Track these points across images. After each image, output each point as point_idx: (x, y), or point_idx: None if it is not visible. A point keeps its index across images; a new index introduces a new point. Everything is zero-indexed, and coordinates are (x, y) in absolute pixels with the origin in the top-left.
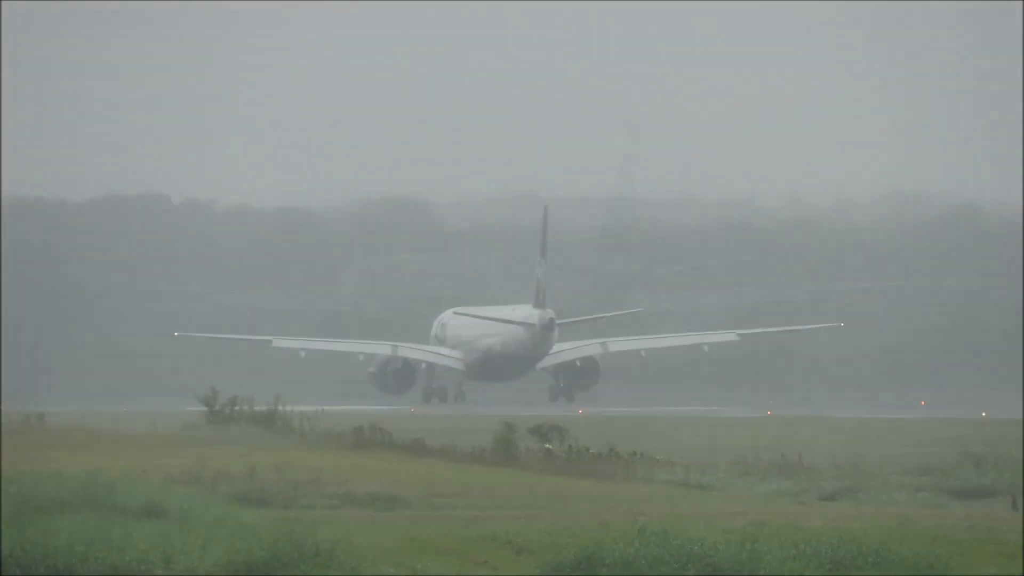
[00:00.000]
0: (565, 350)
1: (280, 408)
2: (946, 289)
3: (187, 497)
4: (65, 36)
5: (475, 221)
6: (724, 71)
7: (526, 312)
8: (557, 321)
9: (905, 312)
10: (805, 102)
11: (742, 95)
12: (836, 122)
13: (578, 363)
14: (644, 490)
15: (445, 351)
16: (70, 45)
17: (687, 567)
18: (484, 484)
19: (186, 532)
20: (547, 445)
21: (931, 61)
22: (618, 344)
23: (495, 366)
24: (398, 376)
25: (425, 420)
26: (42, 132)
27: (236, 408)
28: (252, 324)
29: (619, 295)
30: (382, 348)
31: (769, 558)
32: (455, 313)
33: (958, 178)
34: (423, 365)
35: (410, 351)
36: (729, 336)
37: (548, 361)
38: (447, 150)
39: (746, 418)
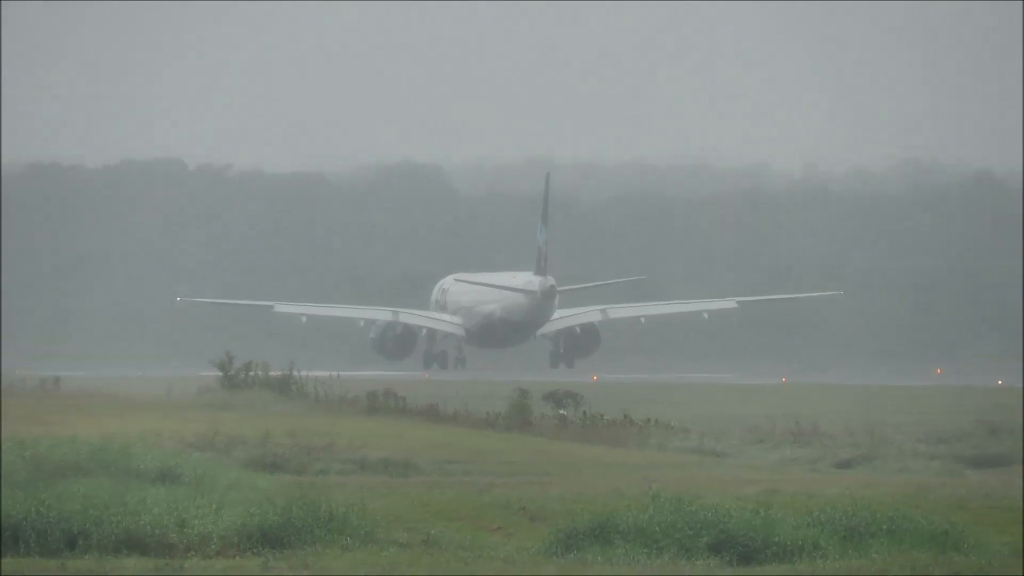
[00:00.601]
0: (565, 317)
1: (295, 373)
2: (961, 257)
3: (201, 462)
4: (80, 1)
5: (489, 187)
6: (739, 37)
7: (527, 279)
8: (558, 288)
9: (920, 280)
10: (820, 69)
11: (757, 62)
12: (851, 89)
13: (578, 330)
14: (658, 457)
15: (446, 317)
16: (85, 9)
17: (701, 534)
18: (498, 450)
19: (200, 497)
20: (561, 411)
21: (947, 27)
22: (618, 311)
23: (495, 332)
24: (398, 342)
25: (439, 386)
26: (57, 97)
27: (250, 373)
28: (264, 289)
29: (631, 261)
30: (382, 314)
31: (783, 525)
32: (455, 280)
33: (974, 146)
34: (423, 331)
35: (410, 317)
36: (728, 303)
37: (548, 327)
38: (461, 115)
39: (760, 385)
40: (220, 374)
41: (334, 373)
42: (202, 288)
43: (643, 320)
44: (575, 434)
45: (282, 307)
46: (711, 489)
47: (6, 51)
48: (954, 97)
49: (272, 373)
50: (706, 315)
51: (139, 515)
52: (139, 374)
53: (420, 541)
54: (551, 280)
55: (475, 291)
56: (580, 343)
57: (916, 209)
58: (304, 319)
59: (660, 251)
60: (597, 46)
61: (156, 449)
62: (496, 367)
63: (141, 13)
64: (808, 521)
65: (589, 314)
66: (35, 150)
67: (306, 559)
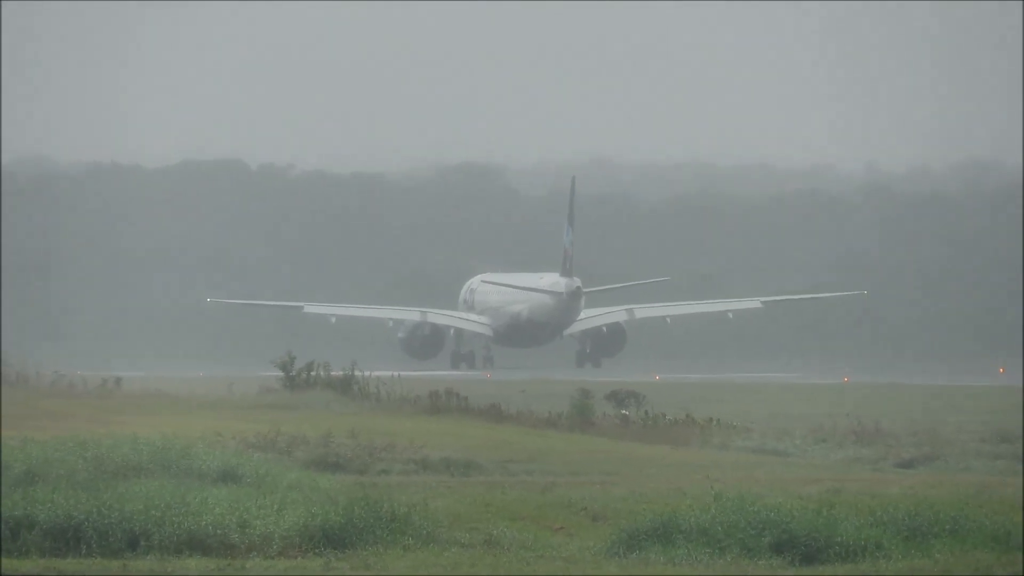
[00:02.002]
0: (592, 316)
1: (356, 373)
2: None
3: (263, 462)
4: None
5: (550, 187)
6: (797, 38)
7: (553, 280)
8: (584, 289)
9: (982, 279)
10: (882, 69)
11: (816, 62)
12: (912, 89)
13: (604, 329)
14: (720, 456)
15: (473, 317)
16: (145, 9)
17: (763, 534)
18: (560, 450)
19: (262, 497)
20: (623, 411)
21: (1012, 25)
22: (644, 311)
23: (522, 332)
24: (427, 341)
25: (501, 386)
26: (119, 97)
27: (312, 373)
28: (323, 290)
29: (690, 261)
30: (411, 314)
31: (846, 525)
32: (483, 280)
33: None
34: (451, 331)
35: (438, 317)
36: (753, 304)
37: (575, 327)
38: (523, 116)
39: (822, 384)
40: (282, 374)
41: (395, 373)
42: (261, 288)
43: (669, 320)
44: (637, 434)
45: (312, 308)
46: (773, 489)
47: (62, 51)
48: (1016, 96)
49: (333, 373)
50: (730, 315)
51: (201, 515)
52: (200, 374)
53: (482, 541)
54: (577, 281)
55: (503, 292)
56: (606, 342)
57: (977, 208)
58: (333, 319)
59: (720, 251)
60: (657, 47)
61: (217, 449)
62: (523, 367)
63: (203, 13)
64: (871, 521)
65: (615, 314)
66: (95, 150)
67: (367, 559)
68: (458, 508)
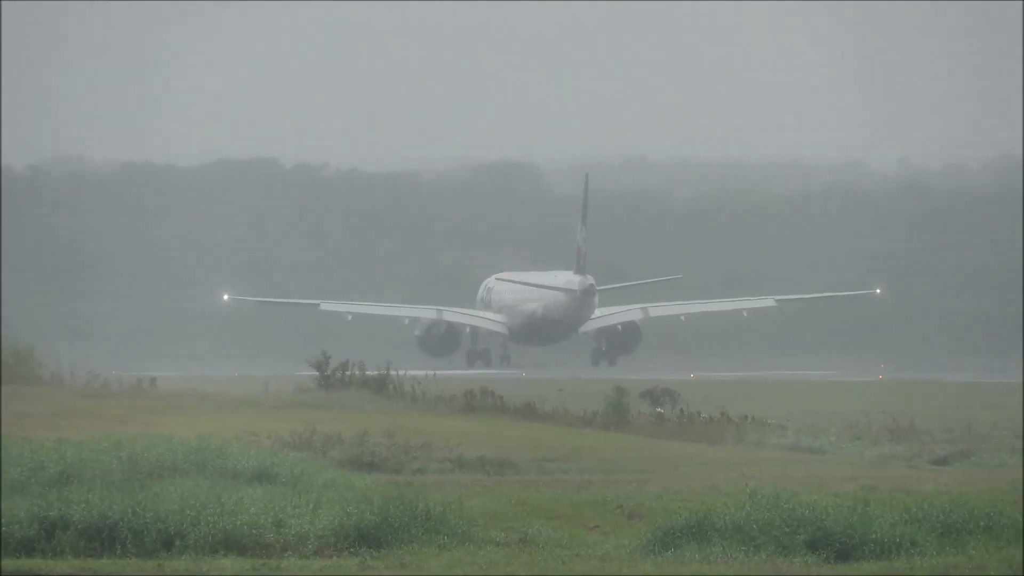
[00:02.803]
0: (607, 315)
1: (391, 372)
2: None
3: (298, 461)
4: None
5: (583, 186)
6: (830, 34)
7: (567, 278)
8: (597, 287)
9: (1016, 275)
10: (914, 64)
11: (848, 58)
12: (945, 85)
13: (619, 327)
14: (755, 454)
15: (489, 315)
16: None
17: (798, 531)
18: (595, 448)
19: (297, 496)
20: (659, 409)
21: None
22: (659, 309)
23: (537, 330)
24: (443, 339)
25: (535, 384)
26: (153, 98)
27: (347, 373)
28: (353, 289)
29: (724, 258)
30: (427, 312)
31: (880, 522)
32: (497, 279)
33: None
34: (467, 329)
35: (454, 315)
36: (767, 302)
37: (590, 325)
38: (557, 114)
39: (857, 382)
40: (316, 374)
41: (430, 372)
42: (295, 287)
43: (683, 318)
44: (672, 432)
45: (328, 305)
46: (808, 486)
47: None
48: None
49: (369, 372)
50: (745, 313)
51: (236, 515)
52: (235, 374)
53: (517, 540)
54: (590, 279)
55: (518, 290)
56: (621, 341)
57: (1012, 205)
58: (349, 317)
59: (752, 249)
60: (689, 44)
61: (253, 449)
62: (538, 365)
63: (238, 13)
64: (905, 518)
65: (630, 312)
66: (129, 150)
67: (403, 558)
68: (493, 507)
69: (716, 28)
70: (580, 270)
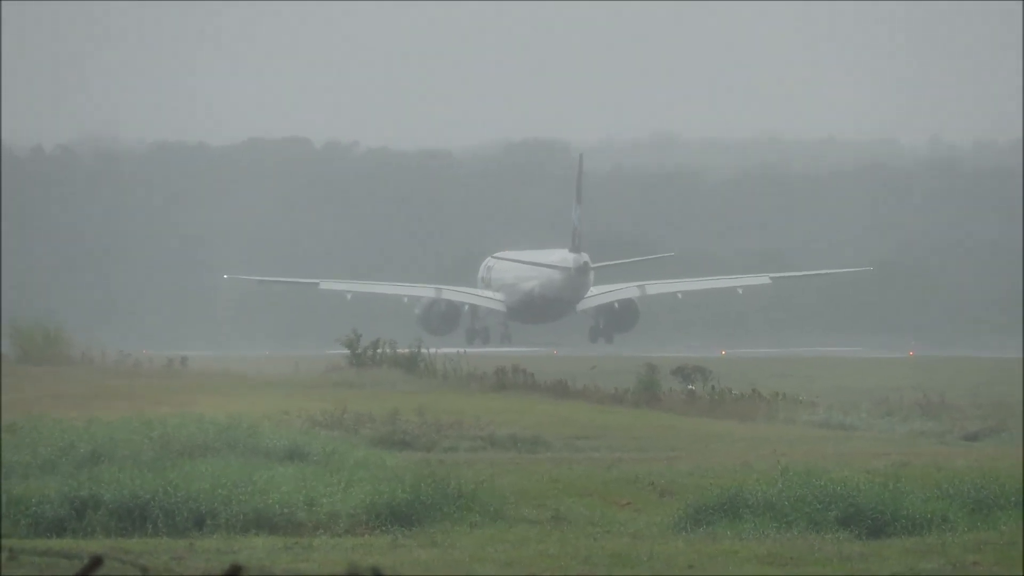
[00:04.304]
0: (604, 292)
1: (423, 351)
2: None
3: (330, 440)
4: None
5: (615, 164)
6: (860, 9)
7: (562, 256)
8: (592, 264)
9: None
10: (946, 40)
11: (880, 34)
12: (977, 61)
13: (616, 305)
14: (786, 431)
15: (488, 294)
16: None
17: (830, 508)
18: (626, 426)
19: (329, 475)
20: (690, 386)
21: None
22: (656, 287)
23: (535, 308)
24: (443, 318)
25: (566, 362)
26: (185, 77)
27: (378, 351)
28: (389, 268)
29: (756, 237)
30: (427, 291)
31: (912, 498)
32: (492, 257)
33: None
34: (466, 307)
35: (453, 294)
36: (762, 279)
37: (588, 303)
38: (589, 92)
39: (887, 358)
40: (347, 352)
41: (461, 350)
42: (327, 266)
43: (679, 296)
44: (703, 409)
45: (328, 284)
46: (840, 463)
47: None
48: None
49: (400, 351)
50: (740, 291)
51: (267, 494)
52: (267, 352)
53: (549, 517)
54: (585, 257)
55: (517, 269)
56: (619, 318)
57: None
58: (349, 296)
59: (785, 226)
60: (722, 20)
61: (284, 428)
62: (539, 342)
63: None
64: (937, 494)
65: (627, 290)
66: (160, 129)
67: (435, 536)
68: (525, 484)
69: (747, 4)
70: (575, 248)
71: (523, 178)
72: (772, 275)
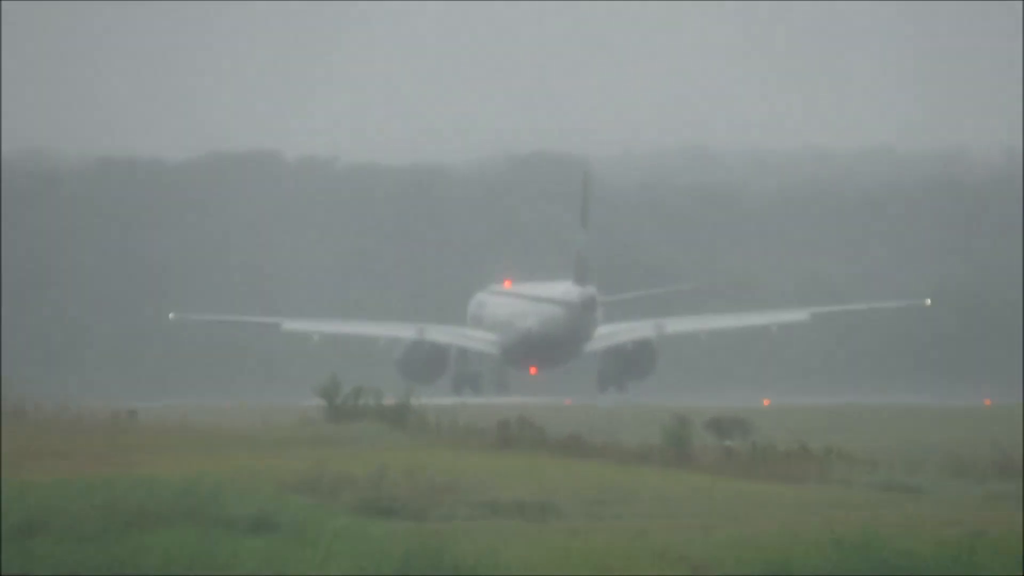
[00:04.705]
0: (616, 332)
1: (412, 401)
2: None
3: (304, 507)
4: None
5: (640, 179)
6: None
7: (565, 289)
8: (600, 299)
9: None
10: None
11: (947, 33)
12: None
13: (630, 346)
14: (841, 494)
15: (479, 334)
16: None
17: None
18: (653, 488)
19: (303, 548)
20: (727, 442)
21: None
22: (676, 325)
23: (534, 350)
24: (426, 363)
25: (581, 412)
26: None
27: (361, 402)
28: (361, 303)
29: (805, 259)
30: (407, 331)
31: (990, 573)
32: (486, 292)
33: None
34: (454, 350)
35: (439, 334)
36: (801, 316)
37: (598, 344)
38: (607, 100)
39: (957, 408)
40: (325, 403)
41: (458, 399)
42: (300, 300)
43: (704, 336)
44: (743, 468)
45: (291, 324)
46: (904, 532)
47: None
48: None
49: (386, 401)
50: (774, 329)
51: (231, 570)
52: (229, 403)
53: None
54: (591, 290)
55: (513, 304)
56: (633, 362)
57: None
58: (316, 338)
59: (837, 250)
60: (759, 16)
61: (250, 492)
62: (539, 391)
63: None
64: (1019, 570)
65: (642, 329)
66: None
67: None
68: (533, 558)
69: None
70: (580, 280)
71: (529, 197)
72: (812, 310)
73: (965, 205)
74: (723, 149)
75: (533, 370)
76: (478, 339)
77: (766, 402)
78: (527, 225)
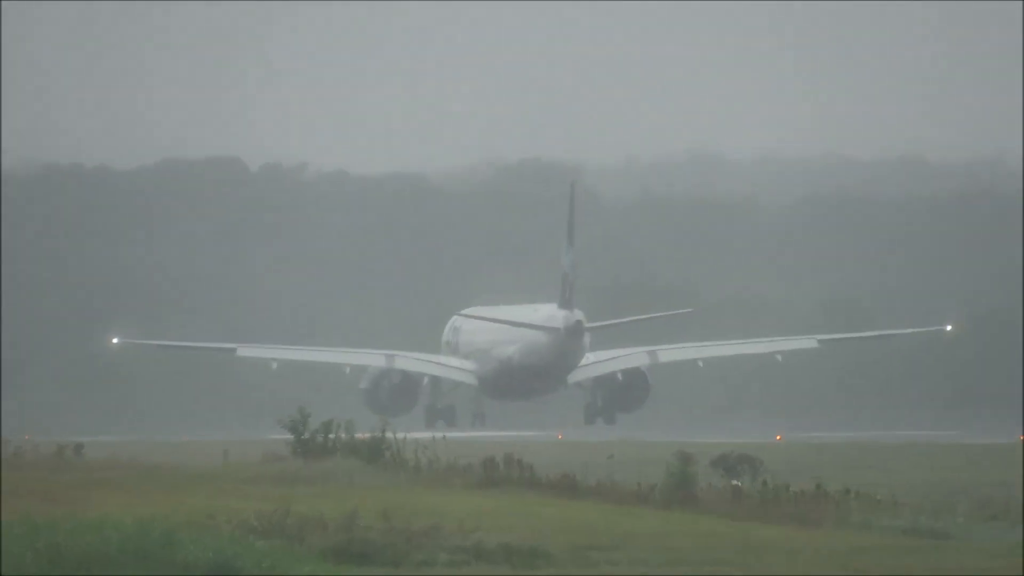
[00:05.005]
0: (604, 360)
1: (388, 435)
2: None
3: (268, 552)
4: None
5: (641, 189)
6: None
7: (549, 313)
8: (587, 324)
9: None
10: None
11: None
12: None
13: (620, 376)
14: (861, 539)
15: (454, 362)
16: None
17: None
18: (654, 532)
19: None
20: (735, 481)
21: None
22: (670, 353)
23: (515, 380)
24: (396, 393)
25: (573, 449)
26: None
27: (331, 436)
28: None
29: (826, 276)
30: (374, 359)
31: None
32: (462, 315)
33: None
34: (426, 379)
35: (409, 362)
36: (808, 343)
37: (584, 374)
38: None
39: (990, 444)
40: (291, 437)
41: (440, 434)
42: (259, 325)
43: (701, 364)
44: (753, 510)
45: (247, 350)
46: None
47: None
48: None
49: (359, 435)
50: (779, 357)
51: None
52: (185, 438)
53: None
54: (578, 314)
55: (492, 329)
56: (624, 393)
57: None
58: (274, 365)
59: (860, 266)
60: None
61: (209, 536)
62: (519, 424)
63: None
64: None
65: (633, 357)
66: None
67: None
68: None
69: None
70: (566, 303)
71: (517, 209)
72: (820, 337)
73: (1000, 218)
74: (734, 157)
75: None
76: (453, 368)
77: (778, 437)
78: (514, 240)
